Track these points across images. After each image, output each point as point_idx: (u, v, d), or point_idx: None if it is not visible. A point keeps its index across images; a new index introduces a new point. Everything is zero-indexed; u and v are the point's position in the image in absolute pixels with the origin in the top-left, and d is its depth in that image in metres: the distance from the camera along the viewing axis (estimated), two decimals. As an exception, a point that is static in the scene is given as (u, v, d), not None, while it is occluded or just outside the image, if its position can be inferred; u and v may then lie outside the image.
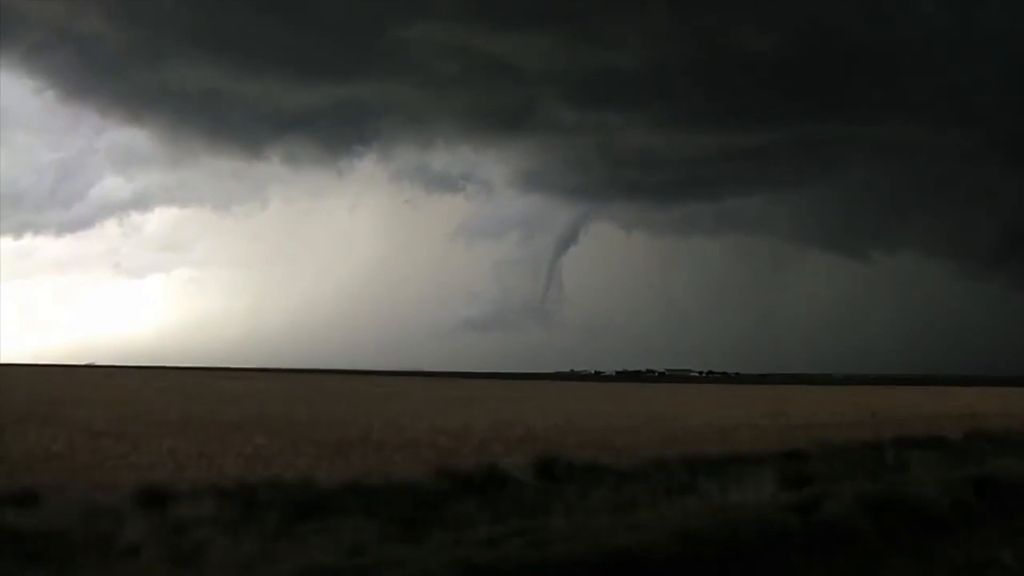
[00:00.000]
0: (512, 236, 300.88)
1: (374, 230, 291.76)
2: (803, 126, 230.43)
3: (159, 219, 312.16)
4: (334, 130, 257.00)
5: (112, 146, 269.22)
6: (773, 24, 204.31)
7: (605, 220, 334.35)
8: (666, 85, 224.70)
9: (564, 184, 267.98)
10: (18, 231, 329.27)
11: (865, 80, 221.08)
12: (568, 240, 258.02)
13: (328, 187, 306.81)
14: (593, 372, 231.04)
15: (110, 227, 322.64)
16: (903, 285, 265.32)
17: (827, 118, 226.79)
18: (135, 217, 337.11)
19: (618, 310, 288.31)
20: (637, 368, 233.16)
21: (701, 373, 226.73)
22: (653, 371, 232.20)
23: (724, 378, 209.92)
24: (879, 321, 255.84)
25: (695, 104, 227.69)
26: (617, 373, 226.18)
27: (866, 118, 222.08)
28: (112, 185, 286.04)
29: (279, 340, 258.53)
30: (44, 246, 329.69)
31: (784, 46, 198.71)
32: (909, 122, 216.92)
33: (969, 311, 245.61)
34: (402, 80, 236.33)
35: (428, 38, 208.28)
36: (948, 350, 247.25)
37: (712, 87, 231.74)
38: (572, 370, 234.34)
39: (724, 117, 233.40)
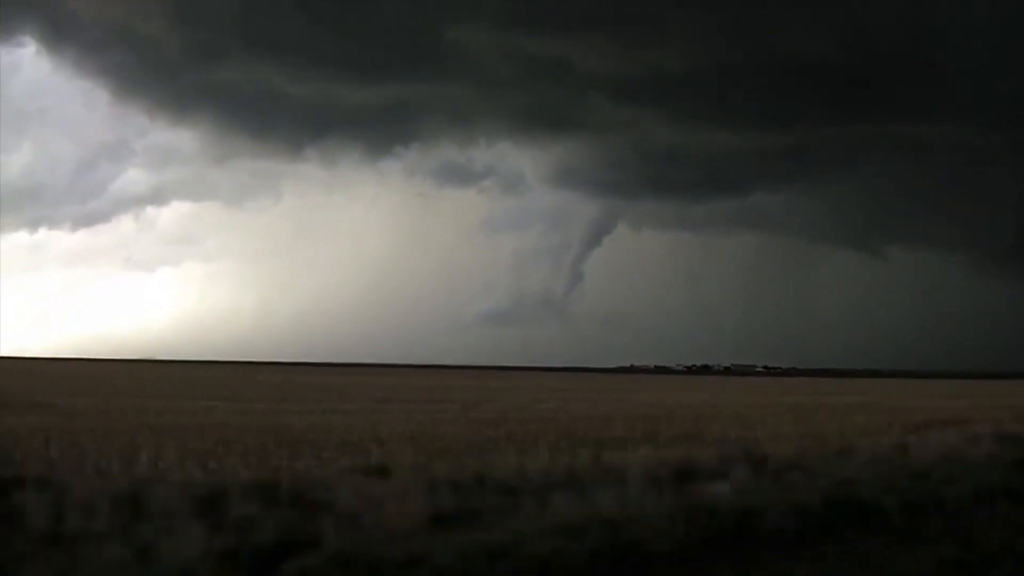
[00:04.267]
0: (541, 231, 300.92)
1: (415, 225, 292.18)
2: (830, 126, 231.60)
3: (174, 213, 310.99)
4: (377, 130, 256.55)
5: (151, 146, 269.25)
6: (813, 29, 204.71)
7: (632, 217, 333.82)
8: (709, 86, 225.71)
9: (598, 181, 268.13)
10: (33, 225, 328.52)
11: (893, 83, 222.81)
12: (599, 236, 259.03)
13: (368, 184, 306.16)
14: (653, 367, 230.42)
15: (126, 222, 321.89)
16: (927, 282, 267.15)
17: (855, 118, 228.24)
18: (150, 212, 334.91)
19: (642, 305, 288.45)
20: (684, 364, 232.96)
21: (765, 368, 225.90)
22: (709, 366, 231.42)
23: (785, 373, 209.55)
24: (906, 317, 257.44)
25: (732, 104, 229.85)
26: (686, 368, 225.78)
27: (891, 119, 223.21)
28: (132, 179, 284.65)
29: (288, 333, 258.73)
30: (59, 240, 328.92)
31: (821, 49, 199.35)
32: (933, 122, 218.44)
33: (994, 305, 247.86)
34: (452, 80, 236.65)
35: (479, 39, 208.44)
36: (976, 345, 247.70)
37: (751, 88, 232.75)
38: (632, 365, 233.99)
39: (759, 117, 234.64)
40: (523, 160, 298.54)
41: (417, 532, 7.89)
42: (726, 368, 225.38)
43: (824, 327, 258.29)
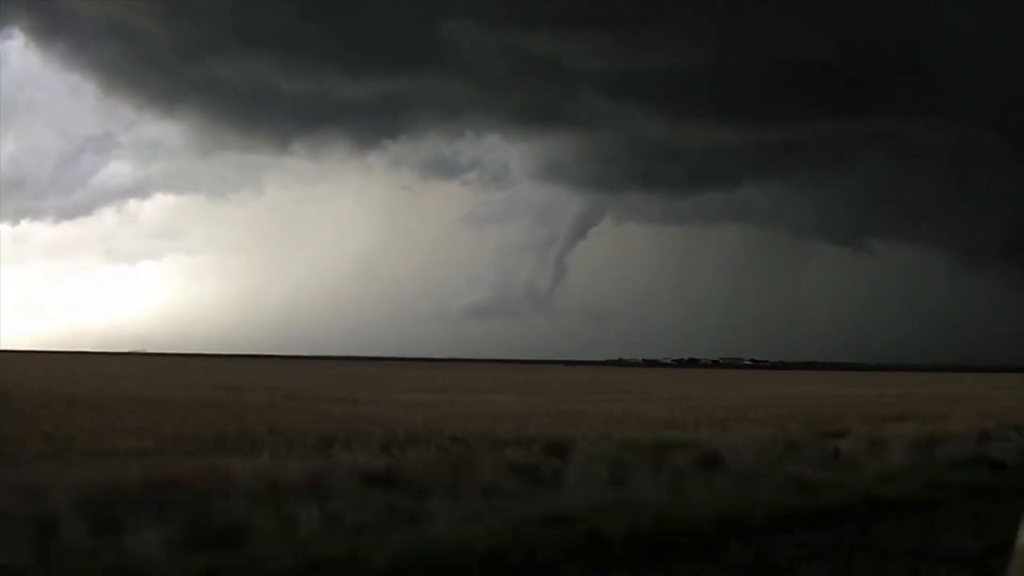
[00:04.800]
0: (526, 225, 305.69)
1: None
2: (820, 123, 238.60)
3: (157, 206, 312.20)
4: (366, 123, 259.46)
5: (136, 139, 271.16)
6: (805, 27, 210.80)
7: (619, 211, 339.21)
8: (699, 83, 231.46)
9: (584, 175, 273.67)
10: (15, 217, 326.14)
11: (884, 81, 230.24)
12: (585, 229, 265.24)
13: (354, 176, 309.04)
14: (641, 360, 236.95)
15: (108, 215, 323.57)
16: (914, 278, 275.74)
17: (846, 115, 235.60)
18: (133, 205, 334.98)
19: (629, 299, 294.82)
20: (672, 357, 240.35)
21: (753, 361, 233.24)
22: (697, 359, 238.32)
23: (773, 366, 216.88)
24: (892, 312, 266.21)
25: (721, 100, 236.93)
26: (674, 361, 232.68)
27: (882, 116, 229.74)
28: (115, 171, 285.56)
29: (272, 326, 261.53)
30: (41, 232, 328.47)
31: (813, 47, 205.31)
32: (924, 120, 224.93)
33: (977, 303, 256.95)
34: (444, 75, 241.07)
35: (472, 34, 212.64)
36: (966, 340, 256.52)
37: (740, 84, 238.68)
38: (620, 358, 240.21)
39: (748, 112, 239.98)
40: (510, 154, 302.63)
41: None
42: (714, 361, 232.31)
43: (811, 321, 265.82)
